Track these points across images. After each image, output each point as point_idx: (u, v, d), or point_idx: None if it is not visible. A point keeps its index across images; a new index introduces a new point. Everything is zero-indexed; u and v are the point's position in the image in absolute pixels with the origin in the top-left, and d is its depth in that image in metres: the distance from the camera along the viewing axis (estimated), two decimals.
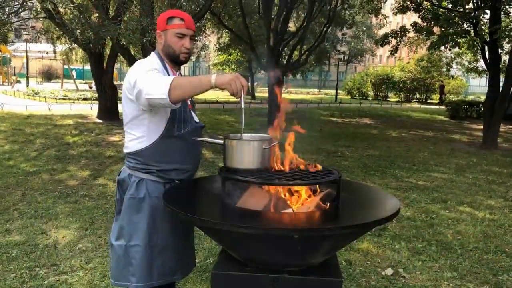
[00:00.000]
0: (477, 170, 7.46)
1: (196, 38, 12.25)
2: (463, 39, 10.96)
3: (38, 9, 10.39)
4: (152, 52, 2.04)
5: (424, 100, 29.68)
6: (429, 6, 11.27)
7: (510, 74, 9.48)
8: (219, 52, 25.07)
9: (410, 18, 16.59)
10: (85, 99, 18.34)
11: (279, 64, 12.61)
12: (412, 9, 11.57)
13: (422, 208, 5.08)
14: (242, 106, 1.74)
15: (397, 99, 30.32)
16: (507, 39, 9.65)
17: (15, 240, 3.74)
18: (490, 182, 6.60)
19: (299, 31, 13.24)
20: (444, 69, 22.27)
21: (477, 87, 35.92)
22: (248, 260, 1.71)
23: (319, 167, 1.85)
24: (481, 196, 5.73)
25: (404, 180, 6.46)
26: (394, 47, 12.12)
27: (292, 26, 18.10)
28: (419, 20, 11.65)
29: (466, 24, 10.48)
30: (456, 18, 10.15)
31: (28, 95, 19.69)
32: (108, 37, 8.50)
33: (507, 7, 10.27)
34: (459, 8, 10.41)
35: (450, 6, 10.81)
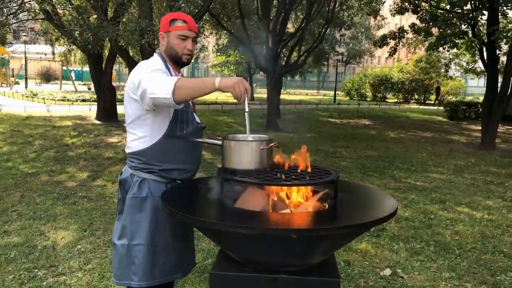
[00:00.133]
0: (475, 170, 7.48)
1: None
2: (461, 40, 11.01)
3: (37, 10, 10.39)
4: (155, 53, 2.07)
5: (422, 101, 29.77)
6: (427, 7, 11.31)
7: (508, 75, 9.51)
8: (218, 53, 25.09)
9: (409, 19, 16.62)
10: (83, 100, 18.35)
11: (278, 65, 12.62)
12: (410, 10, 11.61)
13: (421, 208, 5.09)
14: (246, 110, 1.74)
15: (396, 100, 30.40)
16: (504, 40, 9.67)
17: (13, 241, 3.73)
18: (488, 182, 6.61)
19: (297, 32, 13.29)
20: (443, 70, 22.34)
21: (475, 88, 36.03)
22: (246, 260, 1.72)
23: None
24: (479, 197, 5.74)
25: (403, 181, 6.47)
26: (393, 48, 12.17)
27: (290, 27, 18.13)
28: (417, 21, 11.70)
29: (464, 25, 10.52)
30: (454, 19, 10.19)
31: (26, 96, 19.70)
32: (107, 39, 8.51)
33: (504, 8, 10.31)
34: (457, 9, 10.44)
35: (448, 7, 10.84)
